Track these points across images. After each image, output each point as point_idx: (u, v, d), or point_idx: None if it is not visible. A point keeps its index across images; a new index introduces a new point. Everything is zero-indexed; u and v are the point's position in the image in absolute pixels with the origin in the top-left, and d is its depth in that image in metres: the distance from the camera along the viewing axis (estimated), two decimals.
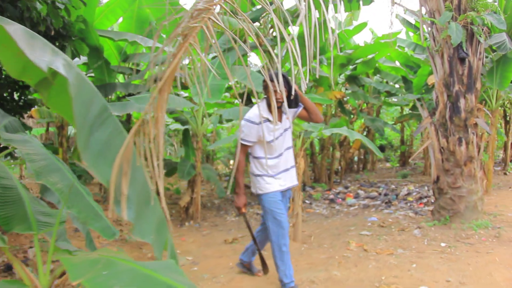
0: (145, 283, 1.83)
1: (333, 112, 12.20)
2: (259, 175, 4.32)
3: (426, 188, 10.74)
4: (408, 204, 9.05)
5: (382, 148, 18.44)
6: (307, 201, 10.04)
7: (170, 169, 8.89)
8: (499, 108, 11.83)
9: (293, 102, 4.35)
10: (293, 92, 4.15)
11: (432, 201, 8.43)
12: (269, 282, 4.69)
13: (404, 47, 12.30)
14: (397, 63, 13.24)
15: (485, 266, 4.84)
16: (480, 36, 6.72)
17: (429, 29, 7.26)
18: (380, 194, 10.32)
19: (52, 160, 2.92)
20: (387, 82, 13.57)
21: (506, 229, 6.32)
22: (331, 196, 10.28)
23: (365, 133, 14.84)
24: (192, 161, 8.50)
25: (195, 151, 8.48)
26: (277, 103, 4.12)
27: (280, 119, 4.32)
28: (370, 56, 11.22)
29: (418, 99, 11.29)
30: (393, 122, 17.20)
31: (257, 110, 4.29)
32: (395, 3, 7.38)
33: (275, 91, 3.91)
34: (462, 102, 6.98)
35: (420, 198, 9.58)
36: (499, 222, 6.85)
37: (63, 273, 2.88)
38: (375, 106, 14.72)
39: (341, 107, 12.10)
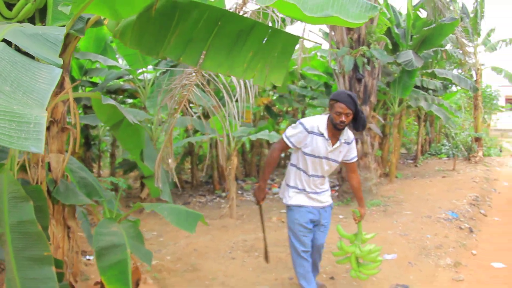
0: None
1: (261, 114, 14.03)
2: (288, 185, 4.17)
3: (337, 179, 13.00)
4: None
5: None
6: (239, 192, 11.85)
7: (131, 167, 10.51)
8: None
9: (360, 125, 3.93)
10: (360, 114, 3.88)
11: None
12: (223, 239, 6.50)
13: (325, 57, 14.08)
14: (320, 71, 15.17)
15: (370, 229, 6.90)
16: (368, 64, 8.98)
17: (335, 55, 9.41)
18: None
19: None
20: (311, 88, 15.48)
21: (392, 206, 8.67)
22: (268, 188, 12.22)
23: None
24: None
25: None
26: (340, 125, 3.81)
27: (334, 142, 3.97)
28: (294, 67, 13.07)
29: None
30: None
31: (316, 120, 3.98)
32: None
33: (340, 113, 3.73)
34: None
35: (332, 187, 11.76)
36: (390, 202, 9.21)
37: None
38: (300, 108, 16.69)
39: (268, 110, 13.98)
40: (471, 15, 15.35)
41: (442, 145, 19.11)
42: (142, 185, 9.53)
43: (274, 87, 13.60)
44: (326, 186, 4.25)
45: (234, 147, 8.13)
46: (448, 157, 17.41)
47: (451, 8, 9.99)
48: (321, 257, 4.57)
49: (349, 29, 8.90)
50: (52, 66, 1.61)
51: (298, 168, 4.05)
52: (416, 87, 12.50)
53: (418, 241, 6.42)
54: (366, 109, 9.37)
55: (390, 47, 10.59)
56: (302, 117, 17.33)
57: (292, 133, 3.95)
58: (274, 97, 14.23)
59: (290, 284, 4.86)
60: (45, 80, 1.51)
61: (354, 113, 3.79)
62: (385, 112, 13.48)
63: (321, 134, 3.89)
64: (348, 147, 4.10)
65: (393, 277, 5.05)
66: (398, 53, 10.45)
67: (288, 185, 4.16)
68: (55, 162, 3.09)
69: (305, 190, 4.03)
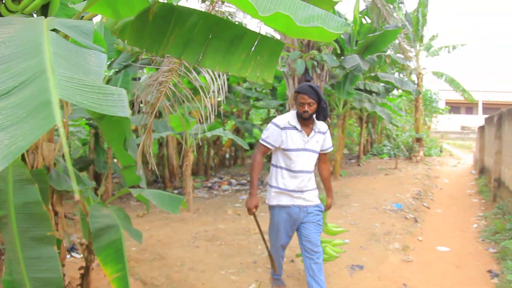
0: None
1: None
2: (270, 185, 4.12)
3: None
4: None
5: (251, 146, 21.08)
6: None
7: (86, 164, 10.57)
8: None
9: (321, 114, 3.99)
10: (323, 104, 3.93)
11: None
12: (184, 231, 6.77)
13: None
14: None
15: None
16: (317, 67, 9.48)
17: (286, 58, 9.83)
18: (248, 181, 12.81)
19: None
20: (255, 89, 15.92)
21: (341, 200, 9.31)
22: (209, 185, 12.57)
23: (235, 134, 17.26)
24: (104, 158, 10.23)
25: (105, 151, 10.19)
26: (304, 115, 3.89)
27: (308, 132, 3.99)
28: None
29: (281, 105, 13.97)
30: (261, 123, 19.84)
31: (286, 116, 4.05)
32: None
33: (302, 103, 3.85)
34: None
35: None
36: (338, 196, 9.77)
37: None
38: (245, 109, 17.13)
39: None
40: (414, 22, 16.27)
41: (384, 145, 20.09)
42: (97, 182, 9.66)
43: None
44: (312, 184, 4.16)
45: (190, 144, 8.39)
46: (389, 157, 18.34)
47: (395, 15, 10.60)
48: (321, 269, 4.08)
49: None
50: (97, 52, 1.83)
51: (279, 167, 4.04)
52: (360, 89, 13.18)
53: (367, 229, 6.92)
54: None
55: (339, 51, 11.16)
56: (247, 118, 17.81)
57: (267, 134, 4.00)
58: (219, 99, 14.49)
59: (254, 266, 5.17)
60: (96, 63, 1.73)
61: (317, 103, 3.87)
62: (329, 113, 14.05)
63: (294, 127, 3.95)
64: (323, 137, 4.12)
65: (348, 259, 5.47)
66: (343, 57, 11.00)
67: (269, 186, 4.14)
68: (47, 150, 3.28)
69: (287, 189, 3.98)
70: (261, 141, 4.05)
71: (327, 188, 4.54)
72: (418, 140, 17.97)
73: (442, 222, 8.04)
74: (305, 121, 3.97)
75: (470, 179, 14.00)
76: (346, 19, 10.91)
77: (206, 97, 4.63)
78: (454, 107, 36.84)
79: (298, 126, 3.95)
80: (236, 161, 19.66)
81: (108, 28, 3.15)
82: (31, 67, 1.47)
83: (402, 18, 12.66)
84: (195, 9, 3.03)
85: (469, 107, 41.49)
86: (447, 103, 33.90)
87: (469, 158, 20.83)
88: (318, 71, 9.65)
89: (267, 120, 17.85)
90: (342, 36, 11.52)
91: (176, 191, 11.16)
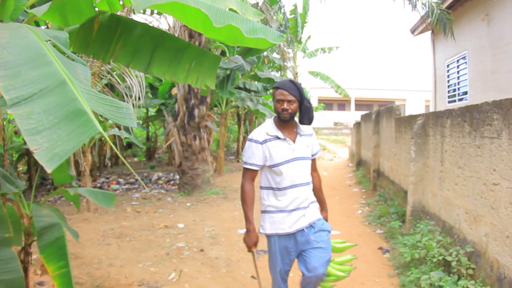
0: None
1: None
2: (263, 211, 3.47)
3: (171, 174, 14.00)
4: (160, 186, 12.05)
5: (129, 145, 21.02)
6: None
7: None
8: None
9: (306, 117, 3.43)
10: (306, 103, 3.40)
11: (178, 182, 11.58)
12: (90, 230, 6.97)
13: None
14: None
15: (217, 212, 8.08)
16: None
17: None
18: (137, 180, 13.05)
19: None
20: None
21: (231, 194, 9.96)
22: (99, 185, 12.59)
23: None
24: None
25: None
26: (283, 114, 3.32)
27: (293, 138, 3.43)
28: None
29: (163, 104, 14.31)
30: (141, 122, 19.90)
31: (262, 127, 3.44)
32: None
33: (281, 100, 3.31)
34: (196, 111, 10.28)
35: (168, 181, 12.72)
36: (227, 190, 10.48)
37: None
38: None
39: None
40: (293, 25, 17.39)
41: None
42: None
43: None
44: (312, 196, 3.59)
45: (88, 144, 8.54)
46: None
47: (274, 18, 11.44)
48: None
49: (190, 37, 9.82)
50: (82, 64, 2.11)
51: (269, 188, 3.43)
52: (240, 88, 13.97)
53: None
54: (203, 109, 10.45)
55: (227, 54, 11.80)
56: None
57: (247, 155, 3.37)
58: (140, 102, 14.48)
59: (169, 258, 5.64)
60: (83, 76, 1.96)
61: (299, 101, 3.35)
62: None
63: (275, 137, 3.36)
64: (312, 139, 3.57)
65: None
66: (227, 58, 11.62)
67: (263, 212, 3.48)
68: None
69: (285, 209, 3.38)
70: (244, 166, 3.43)
71: (320, 201, 3.83)
72: None
73: (329, 210, 9.03)
74: (286, 124, 3.41)
75: (348, 171, 15.09)
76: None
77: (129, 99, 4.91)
78: (327, 104, 39.26)
79: (280, 134, 3.37)
80: (117, 161, 19.59)
81: None
82: (45, 76, 1.67)
83: (281, 21, 13.63)
84: (139, 22, 3.46)
85: (342, 103, 43.79)
86: (320, 100, 36.04)
87: (344, 152, 22.12)
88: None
89: (147, 119, 18.02)
90: None
91: (53, 191, 11.08)
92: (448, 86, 13.29)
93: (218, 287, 4.86)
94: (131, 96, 5.19)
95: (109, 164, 19.12)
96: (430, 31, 13.99)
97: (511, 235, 3.92)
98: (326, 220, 3.81)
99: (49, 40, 2.20)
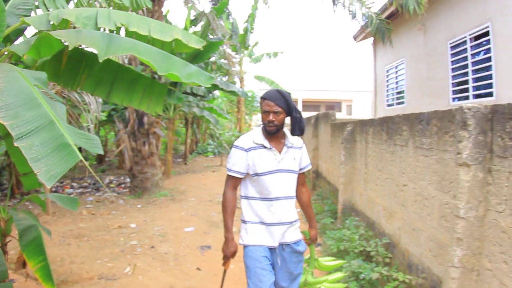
0: None
1: None
2: (243, 221, 3.36)
3: (122, 177, 14.46)
4: (111, 189, 12.49)
5: (80, 149, 21.01)
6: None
7: None
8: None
9: (297, 127, 3.33)
10: (295, 114, 3.28)
11: (128, 185, 12.07)
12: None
13: None
14: None
15: (165, 213, 8.68)
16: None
17: None
18: (89, 184, 13.44)
19: None
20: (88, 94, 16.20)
21: (178, 195, 10.53)
22: (54, 189, 12.86)
23: None
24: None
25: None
26: (269, 126, 3.21)
27: (279, 149, 3.31)
28: None
29: (113, 109, 14.74)
30: (93, 126, 20.05)
31: (250, 134, 3.35)
32: None
33: (267, 112, 3.19)
34: (145, 119, 10.85)
35: (119, 184, 13.18)
36: (175, 192, 11.04)
37: None
38: (77, 113, 17.29)
39: None
40: (241, 32, 18.10)
41: (208, 144, 21.72)
42: None
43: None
44: (294, 214, 3.42)
45: None
46: (214, 155, 20.00)
47: (222, 24, 12.06)
48: None
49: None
50: (59, 102, 2.55)
51: (251, 198, 3.32)
52: (187, 93, 14.52)
53: (207, 218, 8.37)
54: (151, 116, 11.01)
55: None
56: (77, 121, 17.92)
57: (232, 162, 3.27)
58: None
59: (123, 254, 6.18)
60: (61, 113, 2.40)
61: (287, 112, 3.22)
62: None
63: (261, 146, 3.25)
64: (300, 152, 3.44)
65: (198, 242, 6.83)
66: None
67: (242, 221, 3.38)
68: None
69: (264, 222, 3.28)
70: (228, 173, 3.32)
71: (308, 217, 3.72)
72: None
73: None
74: (273, 135, 3.29)
75: None
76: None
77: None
78: None
79: (267, 143, 3.25)
80: None
81: (28, 64, 4.03)
82: (38, 116, 2.08)
83: (229, 29, 14.29)
84: None
85: None
86: None
87: None
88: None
89: (98, 124, 18.23)
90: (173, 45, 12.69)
91: (26, 196, 11.34)
92: (387, 91, 14.07)
93: (168, 278, 5.45)
94: (88, 111, 5.74)
95: None
96: (372, 38, 14.60)
97: (417, 228, 4.69)
98: (315, 238, 3.69)
99: (36, 85, 2.69)
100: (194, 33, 13.42)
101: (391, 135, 5.62)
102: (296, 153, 3.39)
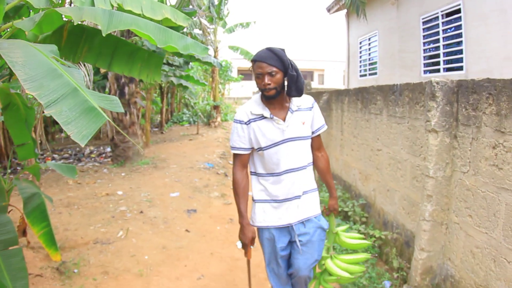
0: None
1: None
2: (253, 200, 3.11)
3: (101, 147, 14.63)
4: (93, 159, 12.69)
5: (56, 121, 20.91)
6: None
7: None
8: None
9: (293, 87, 2.85)
10: (291, 72, 2.81)
11: (109, 154, 12.29)
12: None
13: None
14: None
15: (149, 179, 9.01)
16: None
17: None
18: (70, 155, 13.59)
19: None
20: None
21: (160, 163, 10.85)
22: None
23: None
24: None
25: None
26: (267, 92, 2.82)
27: (283, 116, 2.94)
28: None
29: (94, 82, 14.77)
30: None
31: (247, 105, 3.02)
32: None
33: (260, 75, 2.80)
34: (126, 89, 11.03)
35: (100, 154, 13.37)
36: (156, 160, 11.35)
37: None
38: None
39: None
40: (216, 3, 18.10)
41: (183, 113, 21.88)
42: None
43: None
44: (310, 184, 3.12)
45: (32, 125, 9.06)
46: (189, 123, 20.22)
47: None
48: None
49: None
50: (76, 70, 2.60)
51: (259, 175, 3.08)
52: (163, 64, 14.59)
53: (190, 183, 8.74)
54: (132, 86, 11.18)
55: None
56: None
57: (234, 138, 3.01)
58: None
59: (115, 220, 6.49)
60: (78, 78, 2.42)
61: (283, 71, 2.81)
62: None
63: (261, 116, 2.92)
64: (311, 114, 3.06)
65: (183, 206, 7.21)
66: None
67: (254, 200, 3.12)
68: None
69: (277, 199, 3.01)
70: (231, 151, 3.07)
71: (327, 185, 3.38)
72: (216, 107, 20.07)
73: None
74: (273, 100, 2.93)
75: None
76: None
77: None
78: (246, 75, 40.20)
79: (267, 113, 2.91)
80: (46, 138, 19.67)
81: (30, 40, 4.23)
82: (61, 85, 2.16)
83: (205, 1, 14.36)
84: (99, 29, 4.32)
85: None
86: (239, 71, 36.86)
87: None
88: None
89: None
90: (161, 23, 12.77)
91: (9, 170, 11.44)
92: (360, 62, 14.49)
93: (160, 240, 5.84)
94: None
95: (40, 141, 19.14)
96: (345, 10, 14.91)
97: (391, 189, 5.14)
98: (335, 207, 3.36)
99: (53, 57, 2.88)
100: (171, 5, 13.50)
101: (366, 104, 6.01)
102: (306, 116, 3.02)
